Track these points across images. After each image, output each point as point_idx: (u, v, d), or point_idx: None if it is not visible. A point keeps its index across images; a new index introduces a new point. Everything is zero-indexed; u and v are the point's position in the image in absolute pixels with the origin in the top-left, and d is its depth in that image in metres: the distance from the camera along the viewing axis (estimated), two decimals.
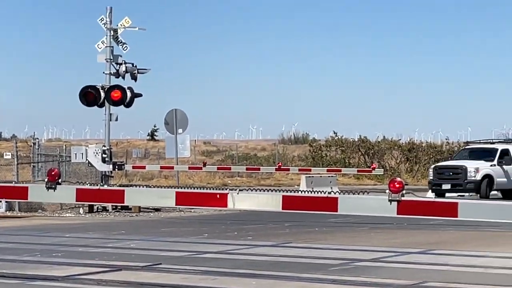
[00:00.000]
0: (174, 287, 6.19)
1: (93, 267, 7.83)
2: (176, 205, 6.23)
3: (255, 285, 6.38)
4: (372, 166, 32.68)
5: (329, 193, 4.46)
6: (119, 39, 21.95)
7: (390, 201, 3.73)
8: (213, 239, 13.23)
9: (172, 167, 29.55)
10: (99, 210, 22.34)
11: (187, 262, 8.59)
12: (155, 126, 76.31)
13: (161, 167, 37.70)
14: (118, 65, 21.35)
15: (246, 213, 14.75)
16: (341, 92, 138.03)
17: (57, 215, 21.96)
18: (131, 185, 18.83)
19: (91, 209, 22.09)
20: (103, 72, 21.71)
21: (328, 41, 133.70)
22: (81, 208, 21.69)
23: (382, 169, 34.48)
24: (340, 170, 37.23)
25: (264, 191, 7.13)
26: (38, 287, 6.32)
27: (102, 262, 8.49)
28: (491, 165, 23.91)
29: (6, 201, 19.54)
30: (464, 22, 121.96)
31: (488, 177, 23.34)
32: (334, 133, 51.27)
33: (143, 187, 10.12)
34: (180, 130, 25.42)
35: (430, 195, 21.43)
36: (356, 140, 49.86)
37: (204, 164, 29.60)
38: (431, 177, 25.06)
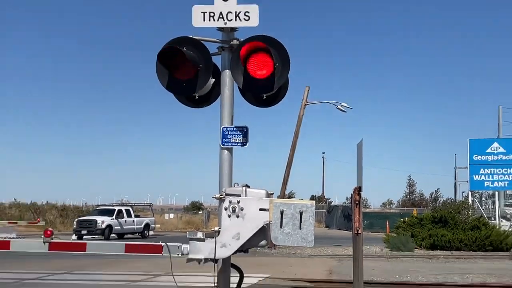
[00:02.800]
0: None
1: None
2: None
3: None
4: (37, 220, 42.69)
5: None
6: None
7: (44, 242, 5.47)
8: None
9: None
10: None
11: None
12: None
13: None
14: None
15: None
16: None
17: None
18: None
19: None
20: None
21: None
22: None
23: (44, 222, 42.22)
24: (16, 222, 43.27)
25: None
26: None
27: None
28: (111, 219, 35.02)
29: None
30: None
31: (109, 226, 34.76)
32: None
33: None
34: None
35: (74, 238, 30.38)
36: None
37: None
38: (75, 226, 35.18)
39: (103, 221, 34.53)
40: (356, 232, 5.01)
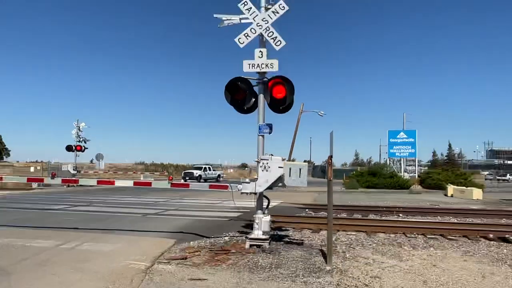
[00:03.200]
0: None
1: None
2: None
3: None
4: (164, 172, 57.26)
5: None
6: None
7: (168, 183, 8.58)
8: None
9: None
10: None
11: None
12: None
13: None
14: None
15: None
16: None
17: None
18: None
19: None
20: None
21: None
22: None
23: (167, 173, 58.21)
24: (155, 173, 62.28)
25: None
26: None
27: None
28: (201, 171, 51.30)
29: None
30: None
31: (200, 175, 49.25)
32: None
33: None
34: None
35: (182, 181, 38.74)
36: None
37: None
38: (183, 175, 49.73)
39: (197, 172, 49.22)
40: (329, 179, 6.56)
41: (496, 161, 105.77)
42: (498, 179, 69.53)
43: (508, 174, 71.32)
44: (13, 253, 7.10)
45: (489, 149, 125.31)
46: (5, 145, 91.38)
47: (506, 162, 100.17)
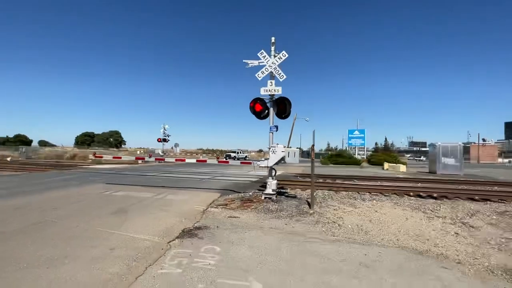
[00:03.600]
0: None
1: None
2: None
3: None
4: (214, 154, 51.28)
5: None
6: None
7: (216, 160, 8.68)
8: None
9: None
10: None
11: None
12: None
13: None
14: None
15: None
16: None
17: None
18: None
19: None
20: None
21: None
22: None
23: (216, 155, 55.53)
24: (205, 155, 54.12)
25: None
26: None
27: None
28: (235, 153, 46.17)
29: None
30: None
31: (235, 156, 44.49)
32: None
33: None
34: None
35: (225, 159, 41.85)
36: None
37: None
38: (224, 156, 43.48)
39: (233, 154, 46.04)
40: (312, 159, 6.65)
41: (415, 148, 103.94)
42: (416, 159, 67.74)
43: (422, 156, 69.47)
44: (128, 200, 7.26)
45: (411, 140, 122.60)
46: (122, 138, 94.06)
47: (421, 149, 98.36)
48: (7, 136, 74.57)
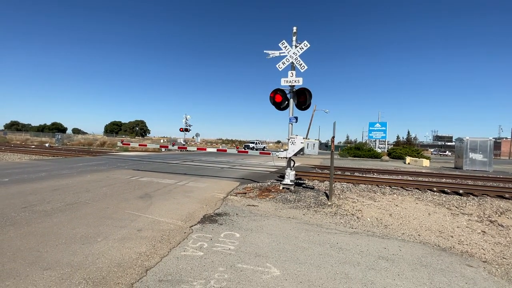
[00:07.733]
0: None
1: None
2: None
3: None
4: (234, 144, 51.52)
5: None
6: None
7: (236, 150, 7.61)
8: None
9: None
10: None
11: None
12: None
13: None
14: None
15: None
16: None
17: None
18: None
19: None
20: None
21: None
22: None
23: (235, 145, 55.11)
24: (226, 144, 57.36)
25: None
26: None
27: None
28: (254, 144, 45.19)
29: None
30: None
31: (254, 147, 44.43)
32: None
33: None
34: None
35: (244, 149, 44.63)
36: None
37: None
38: (243, 146, 43.63)
39: (251, 145, 45.82)
40: (332, 151, 6.34)
41: (440, 143, 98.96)
42: (441, 154, 64.34)
43: (447, 151, 65.89)
44: (152, 186, 7.57)
45: (435, 134, 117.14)
46: (147, 127, 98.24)
47: (446, 143, 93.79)
48: (45, 124, 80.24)
